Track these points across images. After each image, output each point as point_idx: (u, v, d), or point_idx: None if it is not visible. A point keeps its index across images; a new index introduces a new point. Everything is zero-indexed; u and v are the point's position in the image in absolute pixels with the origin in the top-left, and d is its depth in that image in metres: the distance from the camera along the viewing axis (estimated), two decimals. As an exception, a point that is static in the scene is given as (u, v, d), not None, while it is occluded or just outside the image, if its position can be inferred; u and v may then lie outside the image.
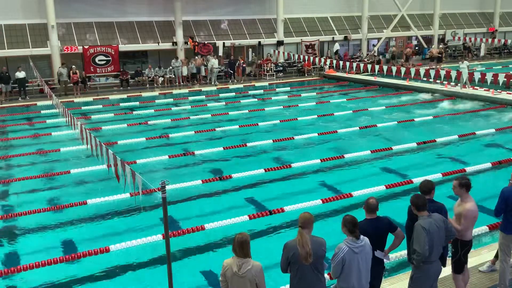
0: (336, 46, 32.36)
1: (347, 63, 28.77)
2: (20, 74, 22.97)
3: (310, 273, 4.75)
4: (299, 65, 30.04)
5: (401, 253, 7.06)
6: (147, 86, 26.01)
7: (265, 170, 11.61)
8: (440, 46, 34.36)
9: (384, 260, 5.50)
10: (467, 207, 5.64)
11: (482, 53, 34.54)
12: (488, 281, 6.50)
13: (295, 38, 31.58)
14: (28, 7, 24.92)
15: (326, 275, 6.70)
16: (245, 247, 4.53)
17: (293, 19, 31.82)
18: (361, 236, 4.90)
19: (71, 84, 24.13)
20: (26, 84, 23.43)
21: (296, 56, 30.39)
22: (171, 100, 23.20)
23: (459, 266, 5.87)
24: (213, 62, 26.84)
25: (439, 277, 5.48)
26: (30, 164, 13.19)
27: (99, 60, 25.69)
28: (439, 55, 30.78)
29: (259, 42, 30.37)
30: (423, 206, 5.18)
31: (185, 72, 26.93)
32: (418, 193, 5.47)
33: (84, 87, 24.94)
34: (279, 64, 29.76)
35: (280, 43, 30.83)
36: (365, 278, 4.93)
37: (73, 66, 24.28)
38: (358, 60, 31.53)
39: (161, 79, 26.28)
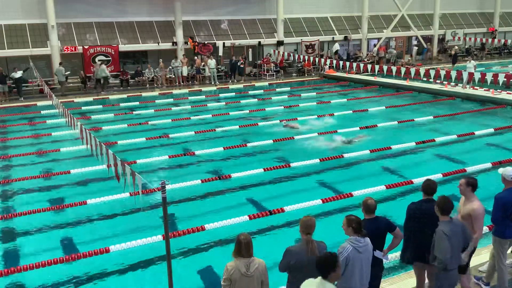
0: (336, 46, 32.34)
1: (347, 63, 28.77)
2: (16, 75, 22.88)
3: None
4: (299, 65, 30.03)
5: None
6: (147, 86, 26.01)
7: (264, 170, 11.61)
8: (455, 47, 34.04)
9: (383, 260, 5.50)
10: (475, 207, 5.56)
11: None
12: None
13: (295, 38, 31.58)
14: (28, 7, 24.94)
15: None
16: (251, 247, 4.62)
17: (293, 19, 31.82)
18: None
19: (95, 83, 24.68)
20: (24, 85, 23.37)
21: (296, 56, 30.38)
22: (171, 100, 23.20)
23: (464, 267, 5.77)
24: (209, 62, 26.80)
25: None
26: (30, 164, 13.20)
27: (99, 60, 25.69)
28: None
29: (259, 42, 30.37)
30: (448, 210, 5.08)
31: (185, 72, 26.93)
32: (444, 195, 5.29)
33: (84, 87, 24.93)
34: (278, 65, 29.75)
35: (280, 43, 30.83)
36: (366, 278, 4.92)
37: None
38: (358, 60, 31.53)
39: (160, 78, 26.35)
